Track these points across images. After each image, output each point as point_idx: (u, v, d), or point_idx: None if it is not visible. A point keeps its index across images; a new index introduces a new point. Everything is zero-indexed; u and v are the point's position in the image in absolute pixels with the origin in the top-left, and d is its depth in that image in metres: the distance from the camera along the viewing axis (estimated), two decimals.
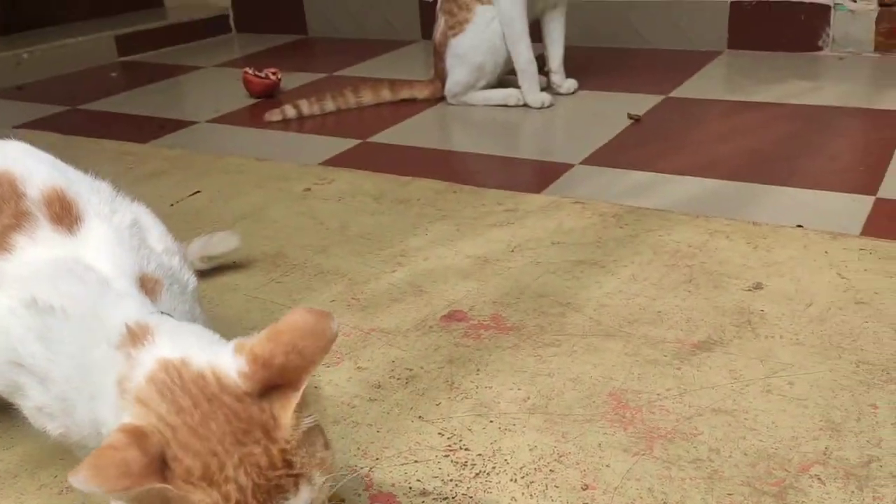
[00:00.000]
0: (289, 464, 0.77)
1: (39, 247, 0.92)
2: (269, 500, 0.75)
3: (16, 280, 0.91)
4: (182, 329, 0.87)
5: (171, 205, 1.94)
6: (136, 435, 0.74)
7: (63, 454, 1.07)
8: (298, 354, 0.78)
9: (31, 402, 0.90)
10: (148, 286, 0.92)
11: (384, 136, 2.37)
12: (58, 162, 1.04)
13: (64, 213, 0.95)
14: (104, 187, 1.05)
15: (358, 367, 1.25)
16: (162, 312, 0.90)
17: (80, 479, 0.71)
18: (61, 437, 0.90)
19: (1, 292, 0.92)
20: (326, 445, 0.82)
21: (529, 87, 2.46)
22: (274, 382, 0.79)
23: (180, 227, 1.19)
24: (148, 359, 0.80)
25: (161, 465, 0.74)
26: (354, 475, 1.02)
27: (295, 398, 0.78)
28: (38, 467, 1.08)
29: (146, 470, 0.72)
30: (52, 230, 0.93)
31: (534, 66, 2.45)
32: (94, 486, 0.71)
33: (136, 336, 0.82)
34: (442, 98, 2.58)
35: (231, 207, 1.91)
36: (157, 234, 1.06)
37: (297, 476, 0.77)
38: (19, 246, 0.92)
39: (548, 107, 2.47)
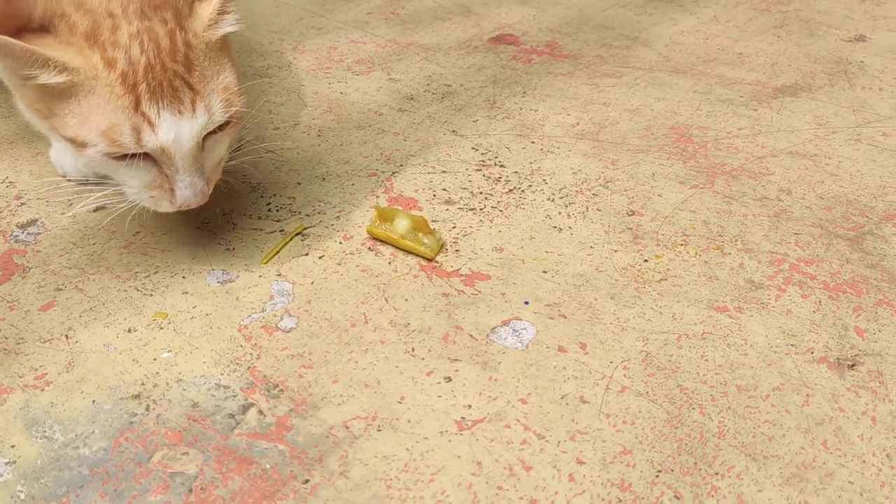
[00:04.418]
0: (189, 64, 0.69)
1: None
2: (162, 96, 0.67)
3: None
4: None
5: None
6: None
7: None
8: None
9: None
10: None
11: None
12: None
13: None
14: None
15: (390, 79, 1.12)
16: None
17: None
18: None
19: None
20: (236, 81, 0.73)
21: None
22: None
23: None
24: None
25: (18, 24, 0.65)
26: (374, 178, 0.91)
27: None
28: (36, 137, 0.99)
29: None
30: None
31: None
32: None
33: None
34: None
35: None
36: None
37: (194, 91, 0.69)
38: None
39: None
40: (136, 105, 0.66)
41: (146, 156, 0.69)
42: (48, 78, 0.64)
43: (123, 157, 0.68)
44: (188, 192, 0.71)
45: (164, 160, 0.69)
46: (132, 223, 0.83)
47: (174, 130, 0.67)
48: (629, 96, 1.06)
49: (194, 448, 0.62)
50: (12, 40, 0.63)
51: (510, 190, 0.90)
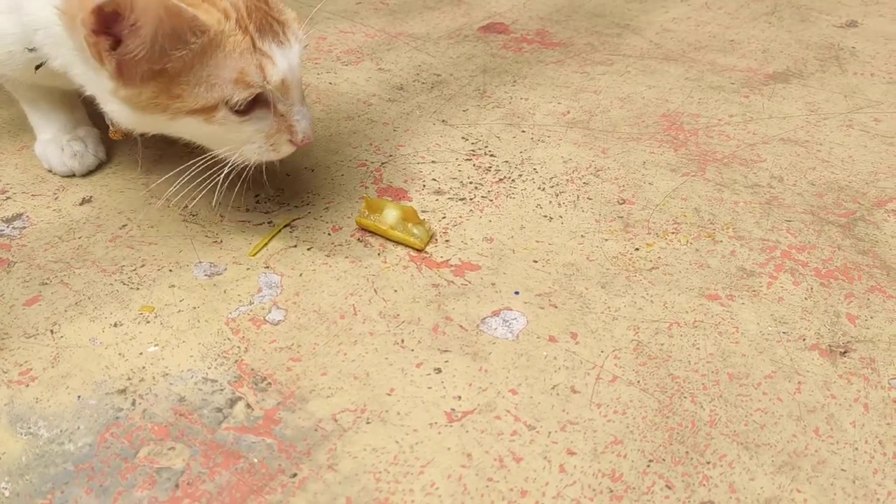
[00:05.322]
0: (268, 1, 0.72)
1: None
2: (265, 32, 0.70)
3: None
4: None
5: None
6: None
7: None
8: None
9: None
10: None
11: None
12: None
13: None
14: None
15: (379, 69, 1.11)
16: None
17: None
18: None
19: None
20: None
21: None
22: None
23: None
24: None
25: None
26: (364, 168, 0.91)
27: None
28: (21, 130, 0.98)
29: None
30: None
31: None
32: None
33: None
34: None
35: None
36: None
37: (282, 24, 0.72)
38: None
39: None
40: (254, 44, 0.68)
41: (260, 102, 0.70)
42: (188, 48, 0.65)
43: (245, 112, 0.70)
44: (305, 122, 0.74)
45: (280, 95, 0.71)
46: (118, 216, 0.82)
47: (286, 60, 0.70)
48: (620, 84, 1.06)
49: (181, 443, 0.61)
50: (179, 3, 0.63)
51: (500, 179, 0.89)
